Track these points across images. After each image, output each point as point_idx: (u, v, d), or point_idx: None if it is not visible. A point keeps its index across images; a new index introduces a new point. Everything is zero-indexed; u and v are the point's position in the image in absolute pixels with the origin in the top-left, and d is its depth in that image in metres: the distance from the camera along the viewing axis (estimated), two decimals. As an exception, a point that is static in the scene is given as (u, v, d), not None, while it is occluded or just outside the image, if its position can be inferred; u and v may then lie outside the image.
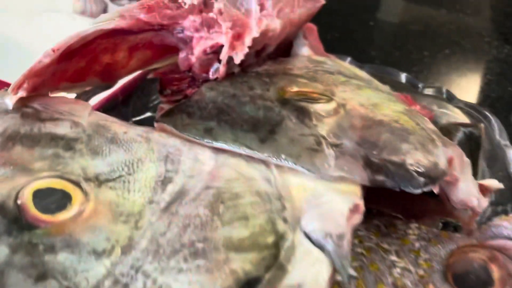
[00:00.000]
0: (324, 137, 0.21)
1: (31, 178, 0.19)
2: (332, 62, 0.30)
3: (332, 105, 0.23)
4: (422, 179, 0.19)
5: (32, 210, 0.17)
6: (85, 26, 0.46)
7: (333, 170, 0.19)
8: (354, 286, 0.18)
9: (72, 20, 0.42)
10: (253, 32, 0.25)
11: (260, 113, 0.23)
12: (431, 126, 0.24)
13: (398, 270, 0.19)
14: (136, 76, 0.31)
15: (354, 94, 0.25)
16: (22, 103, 0.22)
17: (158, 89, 0.29)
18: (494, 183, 0.22)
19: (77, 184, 0.19)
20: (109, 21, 0.23)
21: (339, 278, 0.18)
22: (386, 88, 0.29)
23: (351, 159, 0.20)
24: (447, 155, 0.21)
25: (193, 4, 0.24)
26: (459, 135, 0.28)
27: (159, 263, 0.16)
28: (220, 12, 0.24)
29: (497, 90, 0.38)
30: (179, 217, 0.18)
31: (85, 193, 0.18)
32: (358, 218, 0.18)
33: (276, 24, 0.25)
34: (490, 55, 0.42)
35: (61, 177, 0.19)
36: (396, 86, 0.32)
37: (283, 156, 0.20)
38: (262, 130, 0.21)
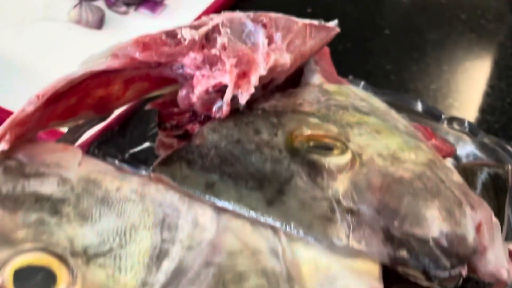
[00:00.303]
0: (338, 202, 0.19)
1: (12, 252, 0.17)
2: (346, 92, 0.27)
3: (347, 157, 0.20)
4: (447, 261, 0.17)
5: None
6: (80, 35, 0.43)
7: (349, 243, 0.17)
8: None
9: (67, 29, 0.39)
10: (260, 69, 0.22)
11: (267, 166, 0.20)
12: (456, 178, 0.21)
13: None
14: (132, 104, 0.29)
15: (371, 139, 0.22)
16: (4, 154, 0.20)
17: (157, 123, 0.27)
18: (525, 249, 0.20)
19: (63, 259, 0.17)
20: (100, 61, 0.21)
21: None
22: (404, 123, 0.27)
23: (369, 230, 0.18)
24: (475, 222, 0.19)
25: (193, 39, 0.21)
26: (483, 176, 0.26)
27: None
28: (224, 47, 0.22)
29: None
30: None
31: (72, 271, 0.16)
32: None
33: (285, 59, 0.23)
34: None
35: (45, 249, 0.17)
36: (413, 115, 0.30)
37: (292, 224, 0.18)
38: (269, 189, 0.19)
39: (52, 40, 0.39)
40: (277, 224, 0.18)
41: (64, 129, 0.27)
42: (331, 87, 0.28)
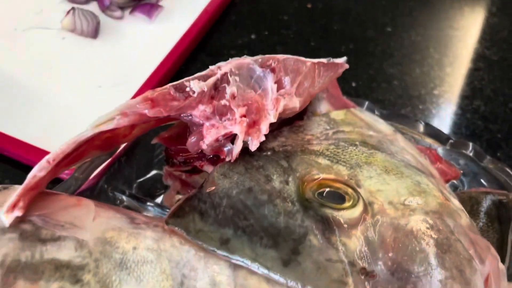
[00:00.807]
0: (353, 264, 0.19)
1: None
2: (353, 120, 0.27)
3: (359, 209, 0.21)
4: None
5: None
6: (75, 45, 0.42)
7: (364, 307, 0.18)
8: None
9: (61, 38, 0.38)
10: (270, 117, 0.22)
11: (280, 221, 0.21)
12: (464, 222, 0.22)
13: None
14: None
15: (381, 184, 0.23)
16: (19, 218, 0.20)
17: (165, 159, 0.27)
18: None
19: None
20: (109, 121, 0.20)
21: None
22: (411, 151, 0.27)
23: (383, 295, 0.18)
24: (484, 275, 0.19)
25: (202, 91, 0.21)
26: (487, 204, 0.26)
27: None
28: (233, 97, 0.22)
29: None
30: None
31: None
32: None
33: (295, 103, 0.23)
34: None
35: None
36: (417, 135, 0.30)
37: None
38: (284, 248, 0.20)
39: (46, 50, 0.37)
40: (294, 285, 0.19)
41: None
42: (338, 115, 0.28)
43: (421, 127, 0.30)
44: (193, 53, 0.41)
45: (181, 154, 0.26)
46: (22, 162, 0.34)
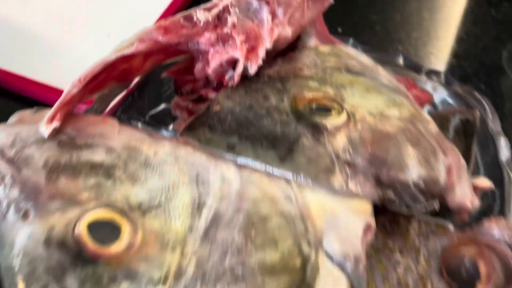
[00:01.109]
0: (338, 156, 0.23)
1: (81, 211, 0.21)
2: (338, 53, 0.31)
3: (343, 118, 0.25)
4: (423, 198, 0.22)
5: (90, 245, 0.20)
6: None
7: (348, 189, 0.22)
8: (365, 286, 0.22)
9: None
10: (266, 44, 0.26)
11: (277, 129, 0.25)
12: (431, 127, 0.26)
13: (402, 269, 0.23)
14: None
15: (362, 99, 0.27)
16: (56, 131, 0.24)
17: (174, 89, 0.31)
18: (485, 183, 0.25)
19: (124, 214, 0.21)
20: (129, 46, 0.24)
21: None
22: (388, 77, 0.30)
23: (362, 178, 0.22)
24: (446, 165, 0.24)
25: (207, 21, 0.25)
26: (455, 121, 0.30)
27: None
28: (234, 26, 0.25)
29: (493, 56, 0.39)
30: (217, 243, 0.21)
31: (132, 222, 0.21)
32: (370, 236, 0.21)
33: (288, 32, 0.26)
34: (489, 16, 0.42)
35: (108, 206, 0.21)
36: (396, 68, 0.34)
37: (302, 176, 0.23)
38: (281, 148, 0.24)
39: (60, 7, 0.40)
40: (289, 176, 0.23)
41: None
42: (325, 48, 0.31)
43: (400, 60, 0.33)
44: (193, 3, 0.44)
45: (188, 84, 0.30)
46: (42, 102, 0.38)
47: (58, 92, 0.37)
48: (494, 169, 0.28)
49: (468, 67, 0.39)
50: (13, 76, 0.38)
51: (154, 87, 0.33)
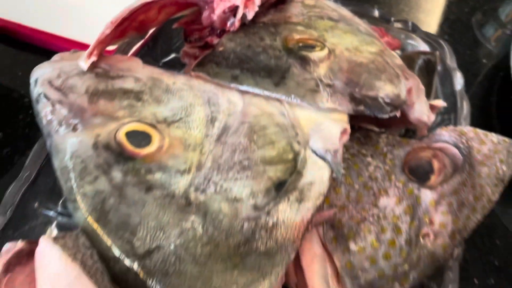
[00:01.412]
0: (321, 80, 0.29)
1: (118, 124, 0.27)
2: (321, 5, 0.37)
3: (325, 52, 0.31)
4: (388, 108, 0.28)
5: (129, 147, 0.26)
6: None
7: (328, 104, 0.28)
8: (344, 179, 0.28)
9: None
10: (261, -7, 0.31)
11: (272, 62, 0.30)
12: (397, 61, 0.32)
13: (372, 167, 0.29)
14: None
15: (340, 39, 0.32)
16: (93, 65, 0.29)
17: (183, 38, 0.36)
18: (440, 103, 0.31)
19: (153, 126, 0.27)
20: (150, -5, 0.29)
21: (334, 176, 0.27)
22: (364, 25, 0.36)
23: (340, 95, 0.28)
24: (407, 87, 0.30)
25: (213, -26, 0.30)
26: (420, 61, 0.36)
27: (221, 175, 0.25)
28: (235, -22, 0.31)
29: (457, 13, 0.45)
30: (228, 145, 0.27)
31: (160, 133, 0.27)
32: (346, 138, 0.27)
33: (278, -16, 0.32)
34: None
35: (139, 121, 0.27)
36: (371, 20, 0.39)
37: (292, 96, 0.29)
38: (275, 76, 0.29)
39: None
40: (282, 97, 0.29)
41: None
42: (310, 1, 0.37)
43: (376, 12, 0.39)
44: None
45: (195, 33, 0.35)
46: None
47: (77, 44, 0.43)
48: (450, 98, 0.34)
49: (433, 20, 0.44)
50: (37, 31, 0.43)
51: (165, 39, 0.38)
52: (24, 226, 0.27)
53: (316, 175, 0.26)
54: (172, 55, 0.38)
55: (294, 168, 0.26)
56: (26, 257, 0.25)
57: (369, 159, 0.29)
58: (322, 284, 0.25)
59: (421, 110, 0.30)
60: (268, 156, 0.26)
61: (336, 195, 0.27)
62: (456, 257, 0.27)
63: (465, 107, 0.33)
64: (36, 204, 0.29)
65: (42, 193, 0.29)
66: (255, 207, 0.25)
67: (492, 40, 0.45)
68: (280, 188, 0.25)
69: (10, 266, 0.24)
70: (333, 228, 0.26)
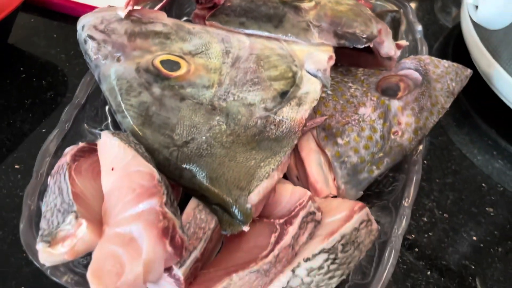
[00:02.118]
0: (311, 22, 0.37)
1: (153, 56, 0.34)
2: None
3: (312, 3, 0.39)
4: (364, 40, 0.36)
5: (164, 70, 0.33)
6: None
7: (317, 40, 0.36)
8: (331, 97, 0.36)
9: None
10: (260, -42, 0.39)
11: (271, 11, 0.38)
12: (369, 12, 0.40)
13: (352, 89, 0.37)
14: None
15: (324, -4, 0.40)
16: (128, 14, 0.36)
17: (194, 0, 0.44)
18: (403, 42, 0.39)
19: (180, 57, 0.34)
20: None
21: (323, 94, 0.35)
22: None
23: (326, 33, 0.36)
24: (378, 28, 0.38)
25: None
26: (388, 18, 0.45)
27: (238, 89, 0.33)
28: None
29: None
30: (241, 69, 0.34)
31: (187, 61, 0.34)
32: (332, 62, 0.35)
33: (273, -48, 0.40)
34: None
35: (170, 54, 0.34)
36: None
37: (289, 35, 0.36)
38: (274, 21, 0.37)
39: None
40: (281, 37, 0.37)
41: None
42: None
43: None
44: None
45: (205, -5, 0.43)
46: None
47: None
48: (414, 44, 0.43)
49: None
50: (67, 1, 0.50)
51: (178, 5, 0.46)
52: (77, 142, 0.34)
53: (311, 87, 0.33)
54: (184, 18, 0.46)
55: (293, 82, 0.33)
56: (87, 152, 0.31)
57: (350, 84, 0.37)
58: (318, 169, 0.32)
59: (389, 46, 0.38)
60: (273, 75, 0.34)
61: (325, 108, 0.35)
62: (419, 152, 0.34)
63: (424, 50, 0.42)
64: (85, 125, 0.36)
65: (89, 117, 0.36)
66: (265, 109, 0.32)
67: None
68: (283, 96, 0.33)
69: (76, 157, 0.31)
70: (324, 130, 0.34)
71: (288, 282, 0.27)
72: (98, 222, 0.28)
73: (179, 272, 0.26)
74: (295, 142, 0.31)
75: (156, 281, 0.25)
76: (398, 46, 0.39)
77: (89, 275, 0.25)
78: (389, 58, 0.39)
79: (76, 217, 0.28)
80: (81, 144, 0.32)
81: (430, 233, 0.36)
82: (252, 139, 0.31)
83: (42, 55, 0.46)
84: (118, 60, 0.34)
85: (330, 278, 0.28)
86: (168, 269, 0.26)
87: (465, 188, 0.40)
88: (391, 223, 0.32)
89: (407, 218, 0.31)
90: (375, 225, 0.31)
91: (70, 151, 0.31)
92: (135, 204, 0.27)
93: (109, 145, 0.30)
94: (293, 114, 0.32)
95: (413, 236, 0.37)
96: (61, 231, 0.28)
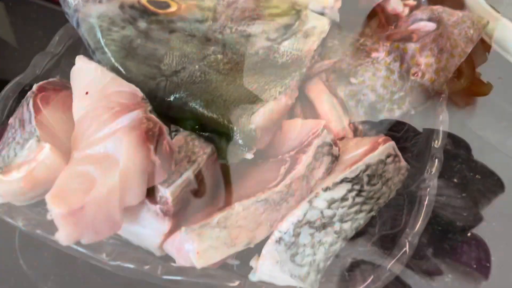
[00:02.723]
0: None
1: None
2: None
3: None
4: None
5: (151, 7, 0.29)
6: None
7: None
8: (339, 46, 0.32)
9: None
10: None
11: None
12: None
13: (361, 40, 0.33)
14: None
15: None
16: None
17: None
18: (412, 2, 0.37)
19: (171, -2, 0.31)
20: None
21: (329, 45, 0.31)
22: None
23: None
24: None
25: None
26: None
27: (235, 24, 0.29)
28: None
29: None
30: (238, 9, 0.31)
31: (177, 2, 0.31)
32: (339, 4, 0.32)
33: None
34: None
35: (159, -4, 0.31)
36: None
37: (289, -17, 0.34)
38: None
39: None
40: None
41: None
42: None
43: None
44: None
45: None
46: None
47: None
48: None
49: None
50: None
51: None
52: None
53: (318, 23, 0.30)
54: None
55: (298, 17, 0.30)
56: (59, 87, 0.27)
57: (357, 38, 0.34)
58: (331, 108, 0.28)
59: (397, 3, 0.35)
60: (274, 12, 0.30)
61: (334, 54, 0.31)
62: (444, 97, 0.30)
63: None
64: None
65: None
66: (268, 39, 0.28)
67: None
68: (288, 28, 0.29)
69: (43, 88, 0.26)
70: (335, 72, 0.30)
71: (304, 215, 0.21)
72: (65, 150, 0.23)
73: (166, 193, 0.20)
74: (304, 70, 0.27)
75: (136, 202, 0.19)
76: (405, 4, 0.36)
77: (48, 196, 0.19)
78: (396, 18, 0.36)
79: (38, 141, 0.22)
80: (51, 79, 0.27)
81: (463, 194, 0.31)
82: (253, 67, 0.26)
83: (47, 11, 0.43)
84: (100, 2, 0.30)
85: (357, 212, 0.22)
86: (151, 192, 0.20)
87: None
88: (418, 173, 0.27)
89: (439, 160, 0.26)
90: (403, 163, 0.25)
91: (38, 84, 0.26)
92: (112, 121, 0.22)
93: (84, 70, 0.25)
94: (300, 45, 0.28)
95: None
96: (18, 157, 0.22)
